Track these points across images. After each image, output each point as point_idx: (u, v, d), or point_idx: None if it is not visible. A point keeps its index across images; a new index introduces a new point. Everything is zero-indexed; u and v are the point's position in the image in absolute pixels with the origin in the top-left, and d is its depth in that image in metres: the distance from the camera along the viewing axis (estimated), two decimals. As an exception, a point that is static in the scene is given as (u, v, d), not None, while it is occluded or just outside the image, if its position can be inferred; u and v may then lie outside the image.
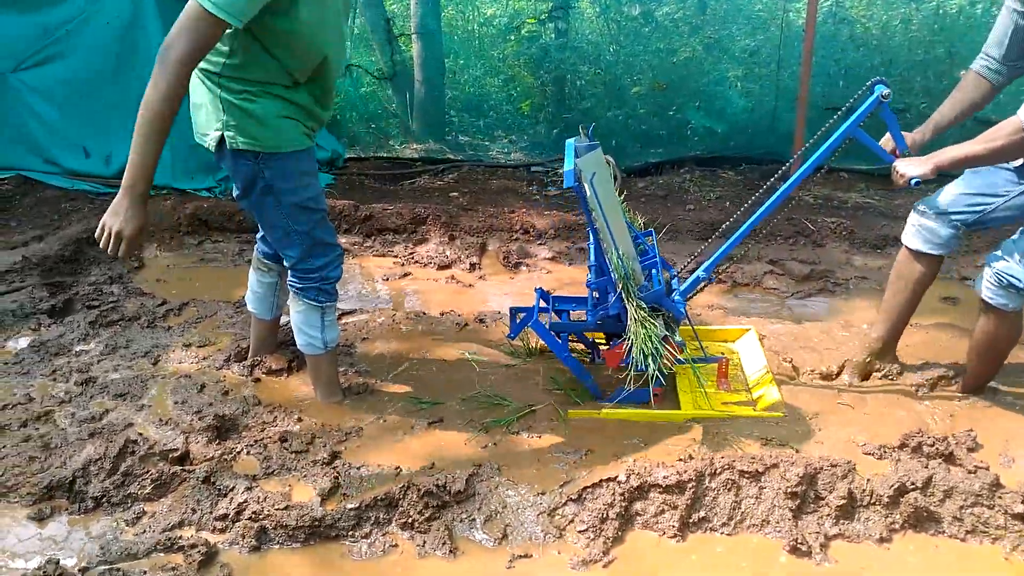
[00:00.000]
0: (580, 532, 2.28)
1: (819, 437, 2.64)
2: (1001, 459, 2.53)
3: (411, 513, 2.33)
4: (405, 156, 6.32)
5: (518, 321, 3.05)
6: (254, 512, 2.31)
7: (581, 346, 3.15)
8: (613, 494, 2.33)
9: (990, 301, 2.63)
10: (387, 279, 4.14)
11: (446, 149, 6.44)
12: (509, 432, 2.73)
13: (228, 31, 2.18)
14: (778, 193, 2.75)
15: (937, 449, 2.50)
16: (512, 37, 6.72)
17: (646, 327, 2.57)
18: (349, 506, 2.32)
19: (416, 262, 4.30)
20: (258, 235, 2.91)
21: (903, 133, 2.69)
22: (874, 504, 2.33)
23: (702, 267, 2.87)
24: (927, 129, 2.78)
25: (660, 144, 6.26)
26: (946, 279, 4.06)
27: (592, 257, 3.04)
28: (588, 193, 2.53)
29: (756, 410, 2.82)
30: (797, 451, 2.54)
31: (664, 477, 2.35)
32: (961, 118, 2.79)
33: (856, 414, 2.78)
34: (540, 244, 4.50)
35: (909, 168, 2.53)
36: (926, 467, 2.39)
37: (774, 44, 5.98)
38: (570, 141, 2.72)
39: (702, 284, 2.89)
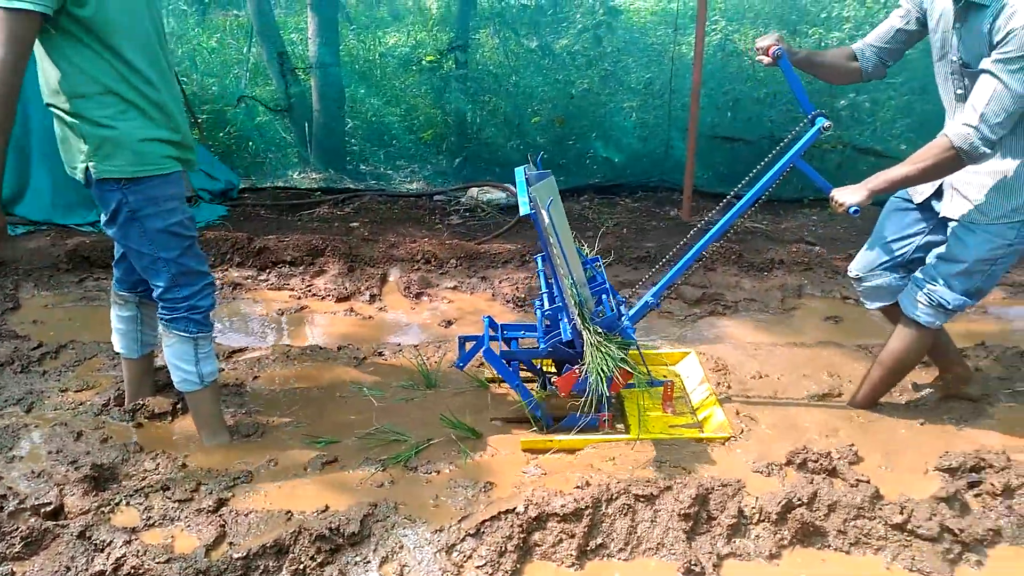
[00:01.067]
0: (478, 568, 2.24)
1: (713, 457, 2.70)
2: (881, 470, 2.64)
3: (302, 559, 2.24)
4: (303, 186, 6.20)
5: (467, 350, 3.01)
6: (133, 567, 2.18)
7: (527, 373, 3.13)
8: (511, 526, 2.31)
9: (918, 318, 2.73)
10: (282, 313, 4.03)
11: (346, 179, 6.35)
12: (407, 468, 2.67)
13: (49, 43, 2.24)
14: (722, 221, 2.83)
15: (821, 464, 2.59)
16: (414, 67, 6.73)
17: (602, 352, 2.59)
18: (236, 555, 2.22)
19: (313, 295, 4.21)
20: (115, 266, 2.80)
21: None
22: (763, 521, 2.39)
23: (650, 293, 2.92)
24: (803, 53, 2.80)
25: (560, 173, 6.35)
26: (829, 298, 4.27)
27: (543, 285, 3.07)
28: (546, 221, 2.54)
29: (703, 431, 2.87)
30: (690, 472, 2.58)
31: (562, 505, 2.35)
32: (824, 72, 2.85)
33: (748, 433, 2.85)
34: (442, 274, 4.48)
35: (847, 197, 2.60)
36: (811, 483, 2.48)
37: (667, 76, 6.19)
38: (519, 170, 2.74)
39: (650, 309, 2.94)
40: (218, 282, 4.31)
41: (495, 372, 2.86)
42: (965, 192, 2.61)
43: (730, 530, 2.38)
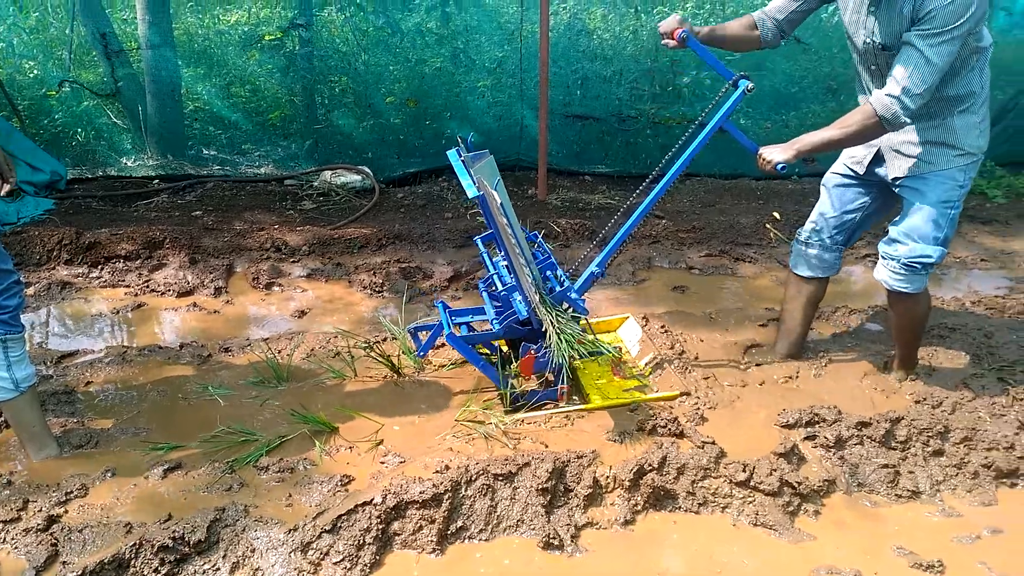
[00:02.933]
0: (336, 564, 2.18)
1: (569, 430, 2.74)
2: (726, 430, 2.75)
3: (145, 572, 2.10)
4: (140, 174, 5.78)
5: (423, 339, 2.96)
6: (-57, 604, 1.96)
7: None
8: (369, 518, 2.26)
9: (905, 289, 2.82)
10: (117, 312, 3.74)
11: (187, 165, 5.97)
12: (258, 468, 2.55)
13: None
14: (656, 189, 2.91)
15: (670, 429, 2.68)
16: (256, 46, 6.40)
17: (564, 331, 2.64)
18: (70, 575, 2.05)
19: (152, 291, 3.93)
20: None
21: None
22: (618, 488, 2.46)
23: (594, 263, 2.97)
24: (705, 30, 2.87)
25: (418, 154, 6.26)
26: (675, 269, 4.44)
27: (488, 266, 3.04)
28: (498, 201, 2.48)
29: (655, 392, 2.95)
30: (547, 447, 2.61)
31: (420, 492, 2.32)
32: (727, 44, 2.95)
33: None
34: (294, 262, 4.31)
35: (775, 154, 2.69)
36: (660, 447, 2.56)
37: (519, 55, 6.20)
38: (452, 153, 2.66)
39: (595, 279, 2.97)
40: (45, 282, 3.95)
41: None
42: (907, 151, 2.75)
43: (587, 500, 2.43)
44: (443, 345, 3.29)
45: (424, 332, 3.07)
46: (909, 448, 2.66)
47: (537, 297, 2.67)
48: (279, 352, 3.27)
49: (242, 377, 3.11)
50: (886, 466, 2.58)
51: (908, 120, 2.54)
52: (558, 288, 2.81)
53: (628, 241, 4.65)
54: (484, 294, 3.02)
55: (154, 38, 5.78)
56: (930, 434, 2.67)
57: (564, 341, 2.63)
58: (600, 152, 6.40)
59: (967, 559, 2.29)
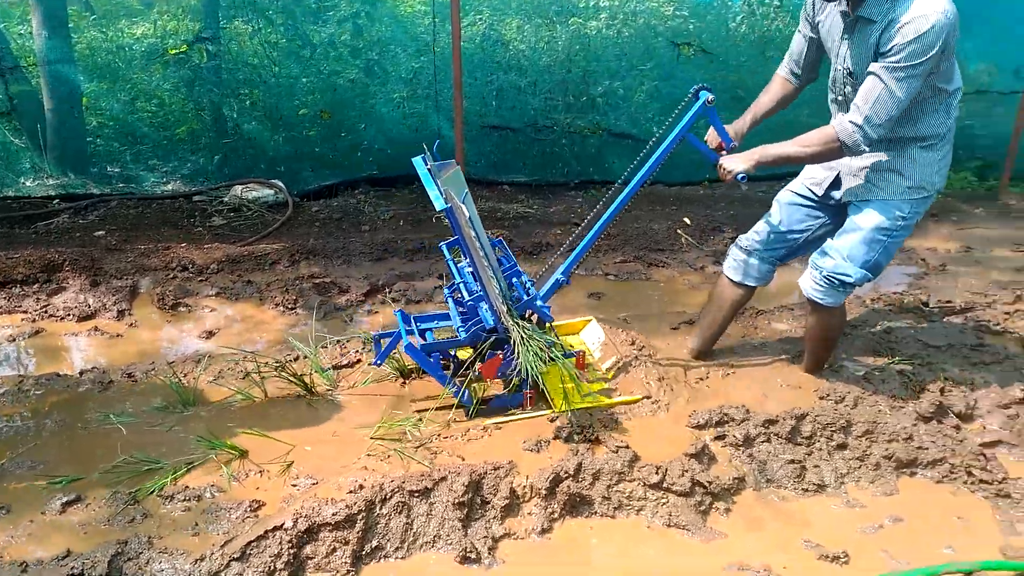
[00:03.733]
0: (245, 592, 2.11)
1: (486, 442, 2.73)
2: (638, 433, 2.78)
3: (39, 616, 1.99)
4: (39, 194, 5.52)
5: (383, 347, 2.92)
6: None
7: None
8: (280, 543, 2.20)
9: (820, 302, 2.88)
10: (13, 339, 3.55)
11: (91, 183, 5.74)
12: (163, 498, 2.45)
13: None
14: (621, 197, 2.92)
15: (585, 435, 2.70)
16: (161, 60, 6.20)
17: (532, 342, 2.65)
18: (-48, 627, 1.92)
19: (51, 316, 3.75)
20: None
21: (725, 126, 2.92)
22: (535, 497, 2.46)
23: (559, 270, 2.97)
24: (746, 120, 3.00)
25: (333, 166, 6.17)
26: (593, 276, 4.49)
27: (455, 273, 3.03)
28: (466, 214, 2.46)
29: (617, 397, 2.97)
30: (464, 460, 2.59)
31: (333, 514, 2.27)
32: (773, 111, 3.05)
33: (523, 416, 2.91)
34: (202, 281, 4.17)
35: (735, 164, 2.72)
36: (576, 454, 2.58)
37: (434, 66, 6.18)
38: (418, 161, 2.63)
39: (559, 287, 2.96)
40: (-69, 311, 3.72)
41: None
42: (862, 175, 2.81)
43: (504, 511, 2.42)
44: (359, 362, 3.25)
45: (387, 340, 3.04)
46: (814, 443, 2.75)
47: (504, 308, 2.69)
48: (185, 375, 3.16)
49: (146, 403, 2.99)
50: (792, 461, 2.66)
51: (867, 148, 2.61)
52: (524, 297, 2.83)
53: (546, 249, 4.72)
54: (449, 301, 3.00)
55: (52, 53, 5.54)
56: (834, 429, 2.77)
57: (531, 352, 2.64)
58: (518, 162, 6.44)
59: (871, 548, 2.38)
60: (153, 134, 6.14)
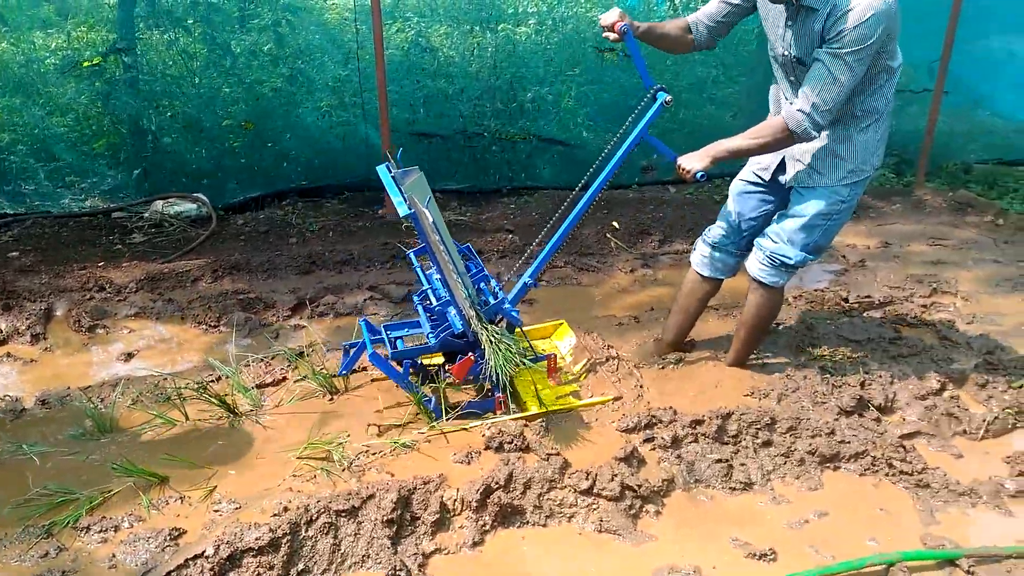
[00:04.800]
0: (164, 626, 2.03)
1: (416, 456, 2.69)
2: (569, 440, 2.79)
3: (-62, 666, 1.88)
4: (-55, 215, 5.25)
5: (350, 356, 2.92)
6: None
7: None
8: (201, 571, 2.13)
9: (764, 279, 2.97)
10: (-85, 370, 3.37)
11: (3, 202, 5.49)
12: (77, 530, 2.35)
13: None
14: (584, 199, 2.95)
15: (516, 444, 2.69)
16: (76, 72, 5.97)
17: (501, 346, 2.68)
18: None
19: (-43, 344, 3.57)
20: None
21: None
22: (465, 511, 2.44)
23: (527, 273, 3.02)
24: (644, 26, 2.88)
25: (259, 178, 6.03)
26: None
27: (423, 280, 3.05)
28: (430, 219, 2.46)
29: (591, 396, 3.04)
30: (393, 476, 2.55)
31: (256, 538, 2.21)
32: (662, 43, 2.97)
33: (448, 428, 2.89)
34: (120, 301, 4.01)
35: (693, 163, 2.76)
36: (507, 464, 2.56)
37: (359, 74, 6.10)
38: (382, 168, 2.64)
39: (528, 290, 3.02)
40: None
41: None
42: (805, 161, 2.88)
43: (434, 526, 2.39)
44: (284, 379, 3.18)
45: (353, 348, 3.01)
46: (740, 441, 2.79)
47: (472, 312, 2.69)
48: (102, 400, 3.04)
49: (61, 431, 2.87)
50: (720, 461, 2.70)
51: (816, 134, 2.67)
52: (492, 301, 2.84)
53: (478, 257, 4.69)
54: (419, 307, 3.01)
55: (-47, 65, 5.28)
56: (759, 426, 2.82)
57: (502, 355, 2.67)
58: (449, 169, 6.39)
59: (797, 544, 2.42)
60: (70, 149, 5.91)
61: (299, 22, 6.03)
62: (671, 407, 2.89)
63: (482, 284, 2.95)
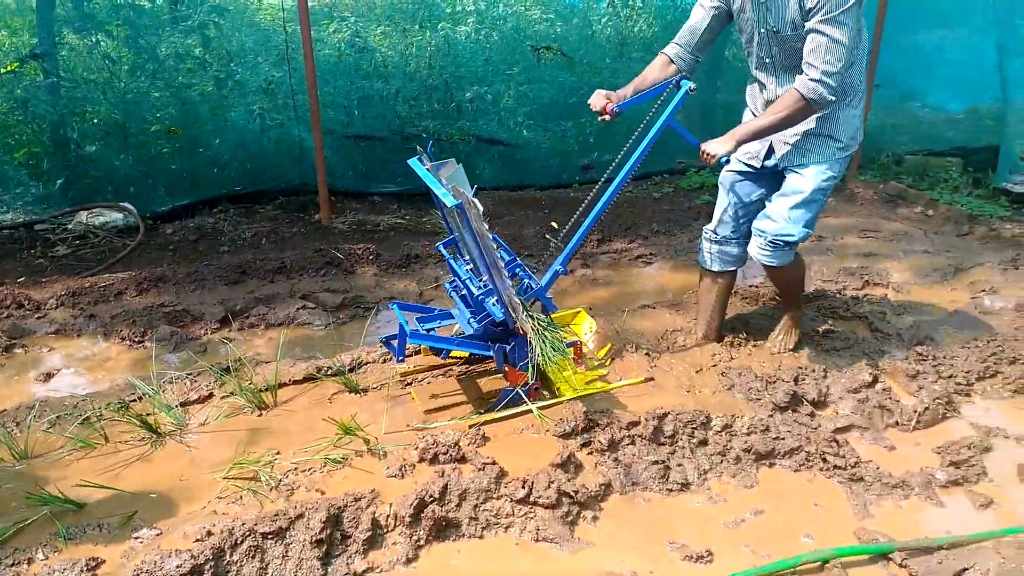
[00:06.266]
0: (77, 665, 1.92)
1: (347, 472, 2.62)
2: (505, 448, 2.74)
3: None
4: None
5: (398, 344, 2.90)
6: None
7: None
8: (117, 606, 2.02)
9: (772, 263, 3.10)
10: None
11: (-86, 217, 5.22)
12: (-16, 566, 2.22)
13: None
14: (613, 185, 2.97)
15: (451, 455, 2.63)
16: (-8, 79, 5.70)
17: (548, 336, 2.71)
18: None
19: None
20: None
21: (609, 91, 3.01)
22: (399, 526, 2.37)
23: (557, 261, 3.02)
24: (628, 90, 3.04)
25: (189, 185, 5.85)
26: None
27: (459, 272, 3.04)
28: (480, 208, 2.38)
29: (620, 381, 3.12)
30: (323, 494, 2.48)
31: (177, 566, 2.11)
32: (650, 89, 3.06)
33: (381, 437, 2.82)
34: (39, 318, 3.84)
35: (717, 148, 2.81)
36: (442, 475, 2.51)
37: (290, 76, 5.96)
38: (414, 162, 2.61)
39: (557, 276, 3.02)
40: None
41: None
42: (794, 142, 3.00)
43: (366, 544, 2.32)
44: (210, 396, 3.06)
45: (395, 340, 2.95)
46: (677, 441, 2.78)
47: (518, 300, 2.69)
48: (17, 424, 2.89)
49: (-28, 461, 2.71)
50: (656, 462, 2.68)
51: (832, 98, 2.75)
52: (534, 287, 2.88)
53: (416, 261, 4.63)
54: (455, 296, 3.08)
55: None
56: (694, 425, 2.81)
57: (549, 343, 2.70)
58: (386, 171, 6.30)
59: (734, 544, 2.42)
60: (-11, 162, 5.64)
61: (228, 24, 5.86)
62: (608, 409, 2.87)
63: (518, 271, 2.99)
